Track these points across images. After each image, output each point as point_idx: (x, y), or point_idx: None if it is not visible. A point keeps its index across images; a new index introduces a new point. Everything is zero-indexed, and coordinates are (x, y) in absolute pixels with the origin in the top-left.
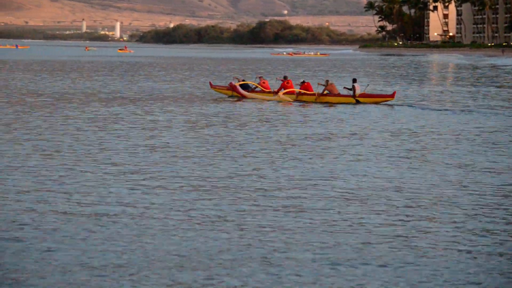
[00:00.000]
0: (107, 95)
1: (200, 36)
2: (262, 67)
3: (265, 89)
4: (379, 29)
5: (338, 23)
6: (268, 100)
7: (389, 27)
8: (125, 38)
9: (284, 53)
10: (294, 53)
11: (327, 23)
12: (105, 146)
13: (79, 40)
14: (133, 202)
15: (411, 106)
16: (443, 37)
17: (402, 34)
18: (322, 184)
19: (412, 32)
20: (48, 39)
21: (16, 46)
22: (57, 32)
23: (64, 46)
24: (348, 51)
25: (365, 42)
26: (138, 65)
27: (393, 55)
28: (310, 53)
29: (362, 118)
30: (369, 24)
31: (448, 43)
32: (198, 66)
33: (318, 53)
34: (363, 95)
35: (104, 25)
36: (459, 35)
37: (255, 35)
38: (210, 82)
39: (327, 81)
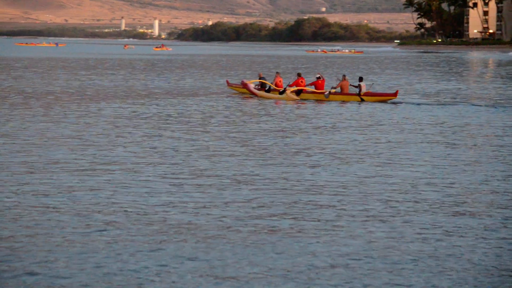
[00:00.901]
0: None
1: (239, 33)
2: (289, 65)
3: (277, 88)
4: (418, 26)
5: (376, 20)
6: (276, 99)
7: (428, 24)
8: (163, 36)
9: (319, 50)
10: (328, 51)
11: (365, 21)
12: (161, 145)
13: (118, 38)
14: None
15: (455, 104)
16: (483, 34)
17: (441, 31)
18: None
19: (451, 29)
20: (88, 37)
21: (57, 44)
22: (97, 30)
23: (103, 44)
24: (387, 48)
25: (403, 40)
26: (177, 62)
27: (432, 52)
28: (344, 50)
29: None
30: (408, 21)
31: (488, 40)
32: (232, 63)
33: (353, 51)
34: (367, 94)
35: (143, 23)
36: (499, 32)
37: (293, 33)
38: (227, 81)
39: (344, 76)
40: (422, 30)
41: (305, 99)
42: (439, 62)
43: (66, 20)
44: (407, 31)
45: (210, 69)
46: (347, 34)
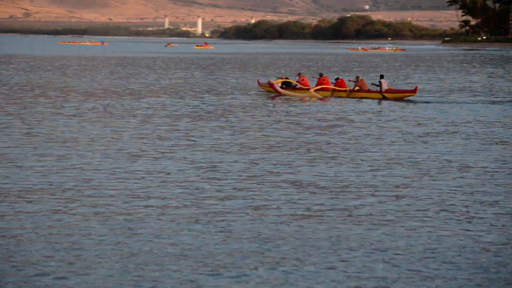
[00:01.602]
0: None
1: (281, 32)
2: (327, 63)
3: (303, 86)
4: (462, 23)
5: (420, 18)
6: (300, 97)
7: (473, 21)
8: (207, 35)
9: (360, 48)
10: (371, 49)
11: (409, 18)
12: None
13: (161, 37)
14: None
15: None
16: None
17: (486, 29)
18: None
19: (496, 26)
20: (131, 36)
21: (102, 43)
22: (140, 29)
23: (146, 42)
24: (431, 46)
25: (448, 37)
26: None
27: (475, 50)
28: (385, 48)
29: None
30: (452, 18)
31: None
32: (270, 62)
33: (394, 48)
34: (389, 91)
35: (186, 21)
36: None
37: (336, 31)
38: (258, 80)
39: (357, 77)
40: (467, 27)
41: (326, 97)
42: (492, 59)
43: (110, 19)
44: (451, 28)
45: (251, 68)
46: (390, 32)
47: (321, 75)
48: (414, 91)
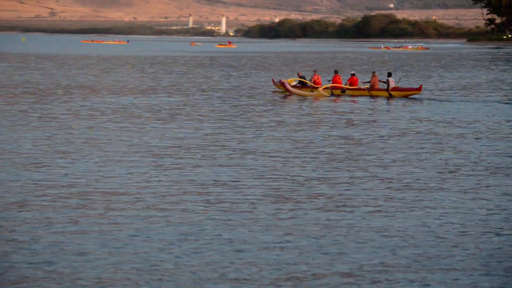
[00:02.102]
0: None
1: (305, 30)
2: (345, 63)
3: (316, 85)
4: (488, 22)
5: (445, 16)
6: (309, 96)
7: (498, 20)
8: (231, 33)
9: (382, 46)
10: (392, 47)
11: (434, 17)
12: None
13: (185, 36)
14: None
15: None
16: None
17: (511, 27)
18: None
19: None
20: (156, 34)
21: (128, 41)
22: (164, 28)
23: (169, 41)
24: (456, 44)
25: (473, 36)
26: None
27: (501, 48)
28: (408, 46)
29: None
30: (477, 17)
31: None
32: (291, 61)
33: (417, 47)
34: (395, 89)
35: (210, 20)
36: None
37: (361, 29)
38: (272, 79)
39: (373, 72)
40: (492, 26)
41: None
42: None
43: (135, 18)
44: (477, 27)
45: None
46: (415, 31)
47: (336, 72)
48: (419, 89)
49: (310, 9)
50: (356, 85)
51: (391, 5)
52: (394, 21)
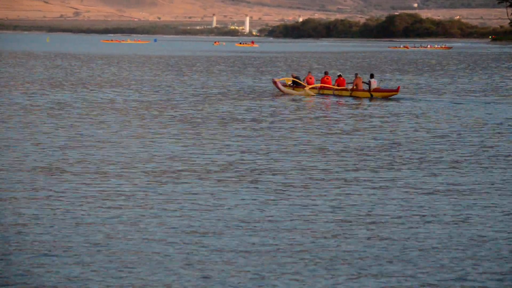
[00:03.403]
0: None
1: (329, 30)
2: (361, 63)
3: (309, 85)
4: None
5: (469, 16)
6: (298, 95)
7: None
8: (254, 33)
9: (401, 46)
10: (411, 47)
11: (458, 16)
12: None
13: (209, 35)
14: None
15: None
16: None
17: None
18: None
19: None
20: (180, 34)
21: (155, 40)
22: (188, 28)
23: (193, 41)
24: (479, 44)
25: (497, 35)
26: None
27: None
28: (427, 46)
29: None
30: (502, 16)
31: None
32: (306, 60)
33: (442, 46)
34: (376, 90)
35: (234, 20)
36: None
37: (385, 29)
38: (273, 80)
39: (356, 74)
40: None
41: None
42: None
43: (159, 18)
44: (501, 26)
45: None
46: (439, 30)
47: (326, 73)
48: (397, 90)
49: (334, 9)
50: (344, 86)
51: (415, 5)
52: (418, 20)
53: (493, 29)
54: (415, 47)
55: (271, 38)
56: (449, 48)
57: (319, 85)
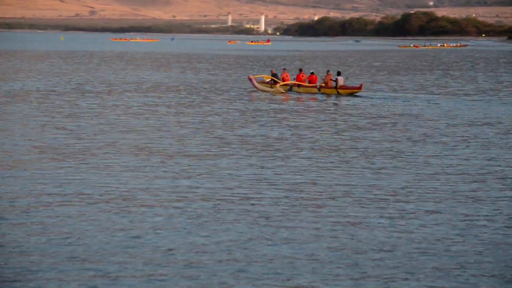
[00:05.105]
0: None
1: (344, 28)
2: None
3: (284, 81)
4: None
5: (485, 14)
6: (268, 92)
7: None
8: (269, 32)
9: (411, 45)
10: (421, 46)
11: (474, 15)
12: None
13: (224, 34)
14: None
15: None
16: None
17: None
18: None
19: None
20: (195, 33)
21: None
22: (204, 26)
23: (208, 39)
24: (495, 42)
25: None
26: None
27: None
28: (437, 45)
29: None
30: None
31: None
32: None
33: (453, 44)
34: (342, 87)
35: (249, 18)
36: None
37: (400, 27)
38: (249, 77)
39: (328, 71)
40: None
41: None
42: None
43: (174, 16)
44: None
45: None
46: (455, 28)
47: (300, 70)
48: (360, 87)
49: (349, 7)
50: (315, 83)
51: (431, 3)
52: (433, 19)
53: (509, 27)
54: (425, 46)
55: (290, 37)
56: (465, 46)
57: (293, 82)
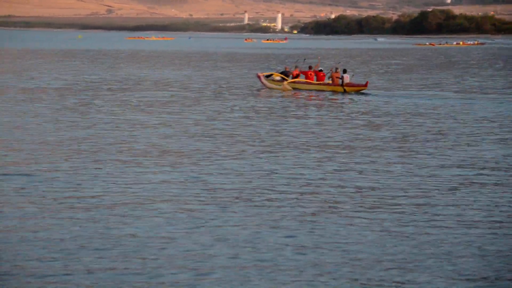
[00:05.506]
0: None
1: (361, 26)
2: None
3: (292, 78)
4: None
5: (504, 11)
6: (276, 89)
7: None
8: (286, 30)
9: (427, 43)
10: (437, 44)
11: (491, 12)
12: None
13: (240, 32)
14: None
15: None
16: None
17: None
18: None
19: None
20: (211, 31)
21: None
22: (220, 25)
23: (225, 38)
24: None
25: None
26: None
27: None
28: (453, 43)
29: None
30: None
31: None
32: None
33: (471, 42)
34: (348, 85)
35: (265, 16)
36: None
37: (417, 25)
38: (257, 74)
39: (336, 68)
40: None
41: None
42: None
43: (191, 15)
44: None
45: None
46: (472, 26)
47: (310, 67)
48: (365, 85)
49: (366, 5)
50: (323, 80)
51: (448, 1)
52: (451, 16)
53: None
54: (440, 44)
55: (307, 35)
56: (482, 44)
57: (303, 80)
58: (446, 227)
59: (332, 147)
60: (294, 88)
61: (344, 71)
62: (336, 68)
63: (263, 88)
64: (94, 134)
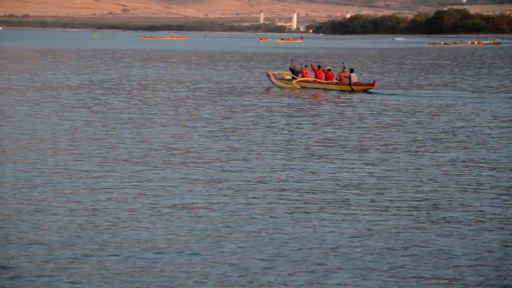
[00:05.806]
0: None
1: (377, 26)
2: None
3: (302, 77)
4: None
5: None
6: (286, 88)
7: None
8: (302, 29)
9: (442, 42)
10: (451, 43)
11: (508, 11)
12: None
13: (256, 32)
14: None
15: None
16: None
17: None
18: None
19: None
20: (227, 31)
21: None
22: (236, 24)
23: (240, 37)
24: None
25: None
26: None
27: None
28: (467, 42)
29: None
30: None
31: None
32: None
33: (487, 42)
34: (355, 84)
35: (281, 16)
36: None
37: (432, 25)
38: (267, 73)
39: (344, 68)
40: None
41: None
42: None
43: (206, 14)
44: None
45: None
46: (488, 26)
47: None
48: (372, 84)
49: (382, 5)
50: (332, 80)
51: (464, 0)
52: (466, 16)
53: None
54: (455, 43)
55: (321, 34)
56: (499, 43)
57: (311, 79)
58: (462, 228)
59: (343, 147)
60: (302, 87)
61: (351, 71)
62: (344, 68)
63: (273, 87)
64: (107, 133)
